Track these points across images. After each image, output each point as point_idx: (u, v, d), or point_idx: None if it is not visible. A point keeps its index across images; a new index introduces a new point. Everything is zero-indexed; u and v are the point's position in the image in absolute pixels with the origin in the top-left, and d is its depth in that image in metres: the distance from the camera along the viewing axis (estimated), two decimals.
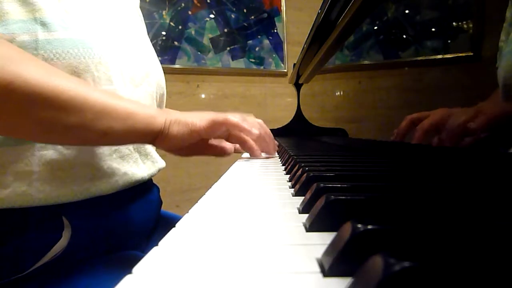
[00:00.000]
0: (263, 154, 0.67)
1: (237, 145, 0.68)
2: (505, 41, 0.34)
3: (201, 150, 0.58)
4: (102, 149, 0.48)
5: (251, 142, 0.61)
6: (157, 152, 0.63)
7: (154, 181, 0.67)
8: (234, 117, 0.53)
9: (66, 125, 0.38)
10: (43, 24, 0.42)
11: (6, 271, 0.41)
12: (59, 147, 0.44)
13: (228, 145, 0.64)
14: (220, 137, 0.58)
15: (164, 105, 0.67)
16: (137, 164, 0.54)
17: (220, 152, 0.62)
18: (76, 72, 0.44)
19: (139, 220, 0.57)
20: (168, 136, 0.47)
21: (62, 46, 0.43)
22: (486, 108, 0.34)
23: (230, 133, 0.58)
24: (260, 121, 0.65)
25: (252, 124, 0.57)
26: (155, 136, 0.46)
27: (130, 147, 0.53)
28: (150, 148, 0.59)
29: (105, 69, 0.47)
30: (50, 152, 0.44)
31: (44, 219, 0.43)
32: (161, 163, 0.63)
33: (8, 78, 0.34)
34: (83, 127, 0.39)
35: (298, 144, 0.96)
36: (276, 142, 0.67)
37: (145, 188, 0.60)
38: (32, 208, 0.42)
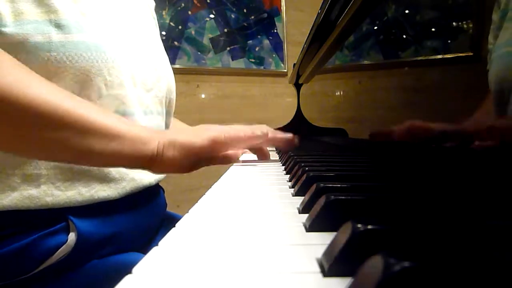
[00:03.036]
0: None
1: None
2: (493, 44, 0.34)
3: (206, 164, 0.54)
4: None
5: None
6: None
7: None
8: (232, 132, 0.49)
9: (41, 140, 0.36)
10: (58, 26, 0.42)
11: (10, 271, 0.41)
12: None
13: (232, 152, 0.62)
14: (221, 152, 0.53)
15: (173, 110, 0.67)
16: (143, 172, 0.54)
17: (225, 161, 0.59)
18: (88, 76, 0.43)
19: (145, 224, 0.57)
20: (164, 161, 0.43)
21: (75, 49, 0.42)
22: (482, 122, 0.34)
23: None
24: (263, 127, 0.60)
25: (254, 128, 0.53)
26: (148, 162, 0.42)
27: None
28: None
29: (118, 73, 0.47)
30: None
31: (51, 222, 0.43)
32: None
33: None
34: (58, 144, 0.37)
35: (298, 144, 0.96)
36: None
37: (152, 193, 0.59)
38: (39, 210, 0.42)
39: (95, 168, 0.46)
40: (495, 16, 0.34)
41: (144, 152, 0.41)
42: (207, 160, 0.53)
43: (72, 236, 0.43)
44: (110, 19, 0.50)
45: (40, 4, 0.41)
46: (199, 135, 0.46)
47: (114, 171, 0.48)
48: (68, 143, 0.37)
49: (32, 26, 0.40)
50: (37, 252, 0.42)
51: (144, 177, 0.53)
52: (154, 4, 0.69)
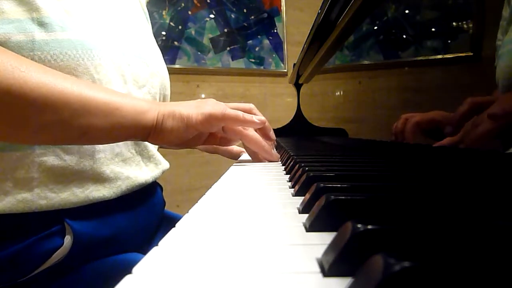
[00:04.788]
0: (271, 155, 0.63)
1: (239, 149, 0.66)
2: (502, 40, 0.34)
3: (201, 141, 0.55)
4: (103, 154, 0.47)
5: (251, 136, 0.56)
6: (161, 153, 0.62)
7: None
8: (231, 110, 0.49)
9: (40, 123, 0.36)
10: (41, 24, 0.41)
11: (6, 275, 0.40)
12: (60, 152, 0.43)
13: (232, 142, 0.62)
14: (218, 133, 0.54)
15: None
16: (139, 167, 0.53)
17: (222, 143, 0.59)
18: (74, 75, 0.42)
19: (143, 224, 0.56)
20: (163, 131, 0.44)
21: (59, 47, 0.41)
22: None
23: (228, 127, 0.53)
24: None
25: (253, 114, 0.53)
26: (147, 132, 0.44)
27: (132, 150, 0.52)
28: (153, 150, 0.58)
29: (106, 71, 0.46)
30: (50, 159, 0.42)
31: (46, 225, 0.42)
32: (165, 165, 0.62)
33: None
34: (59, 126, 0.37)
35: (298, 144, 0.96)
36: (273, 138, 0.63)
37: (148, 192, 0.59)
38: (34, 213, 0.42)
39: (88, 168, 0.45)
40: (505, 12, 0.34)
41: (143, 121, 0.42)
42: (205, 135, 0.54)
43: (68, 239, 0.43)
44: (97, 16, 0.49)
45: (22, 3, 0.40)
46: (198, 109, 0.47)
47: (108, 171, 0.47)
48: (69, 123, 0.37)
49: (14, 25, 0.39)
50: (33, 256, 0.41)
51: (140, 175, 0.52)
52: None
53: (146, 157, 0.56)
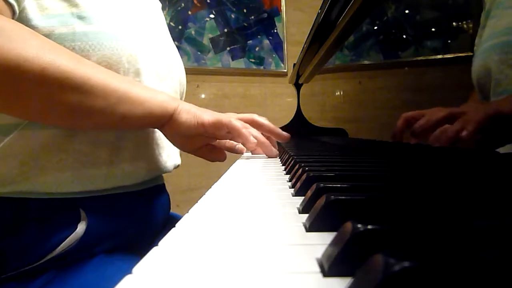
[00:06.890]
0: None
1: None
2: (477, 44, 0.34)
3: (204, 152, 0.59)
4: (125, 141, 0.51)
5: (240, 147, 0.68)
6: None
7: None
8: (237, 122, 0.54)
9: (91, 108, 0.41)
10: (80, 18, 0.45)
11: (18, 261, 0.43)
12: (85, 136, 0.47)
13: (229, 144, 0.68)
14: (220, 138, 0.59)
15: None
16: (155, 157, 0.57)
17: (219, 156, 0.63)
18: (108, 63, 0.47)
19: (150, 222, 0.59)
20: (176, 122, 0.49)
21: (97, 38, 0.46)
22: (478, 109, 0.35)
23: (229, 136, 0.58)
24: (264, 119, 0.66)
25: (251, 133, 0.57)
26: (166, 120, 0.49)
27: (151, 140, 0.56)
28: (168, 142, 0.60)
29: (135, 62, 0.50)
30: (77, 140, 0.46)
31: (64, 211, 0.45)
32: (177, 159, 0.65)
33: (43, 64, 0.37)
34: (106, 111, 0.42)
35: (298, 144, 0.96)
36: (275, 149, 0.68)
37: (159, 190, 0.62)
38: (52, 199, 0.45)
39: (104, 156, 0.48)
40: (482, 18, 0.35)
41: (166, 112, 0.48)
42: (210, 149, 0.60)
43: (82, 225, 0.46)
44: (126, 12, 0.53)
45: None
46: (209, 113, 0.53)
47: (129, 156, 0.50)
48: (114, 109, 0.43)
49: (57, 20, 0.44)
50: (47, 241, 0.43)
51: (155, 165, 0.56)
52: (160, 4, 0.72)
53: (162, 147, 0.59)
